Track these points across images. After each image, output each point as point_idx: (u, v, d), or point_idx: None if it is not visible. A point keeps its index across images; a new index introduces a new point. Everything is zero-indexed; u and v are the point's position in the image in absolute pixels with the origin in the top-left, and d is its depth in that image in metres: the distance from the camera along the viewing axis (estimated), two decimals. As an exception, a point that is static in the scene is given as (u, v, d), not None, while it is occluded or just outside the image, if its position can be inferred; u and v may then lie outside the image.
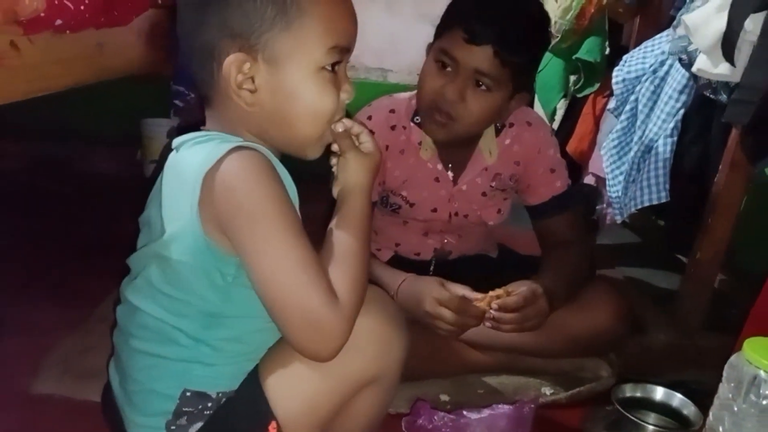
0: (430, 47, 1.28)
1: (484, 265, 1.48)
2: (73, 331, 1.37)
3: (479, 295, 1.19)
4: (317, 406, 0.87)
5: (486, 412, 1.13)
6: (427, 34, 2.62)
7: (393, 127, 1.34)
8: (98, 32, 1.41)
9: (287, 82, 0.82)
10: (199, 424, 0.86)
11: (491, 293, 1.18)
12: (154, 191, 0.88)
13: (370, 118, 1.33)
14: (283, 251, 0.76)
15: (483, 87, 1.20)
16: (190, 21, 0.83)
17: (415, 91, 1.32)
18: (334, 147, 0.91)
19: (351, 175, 0.88)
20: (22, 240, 1.76)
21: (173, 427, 0.86)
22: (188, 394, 0.86)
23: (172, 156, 0.85)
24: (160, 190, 0.85)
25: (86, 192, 2.21)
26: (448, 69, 1.21)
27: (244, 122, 0.85)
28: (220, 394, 0.87)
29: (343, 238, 0.83)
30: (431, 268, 1.44)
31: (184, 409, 0.86)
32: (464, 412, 1.13)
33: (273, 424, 0.85)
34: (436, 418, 1.12)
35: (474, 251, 1.48)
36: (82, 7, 1.26)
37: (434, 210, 1.39)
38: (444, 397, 1.27)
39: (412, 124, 1.34)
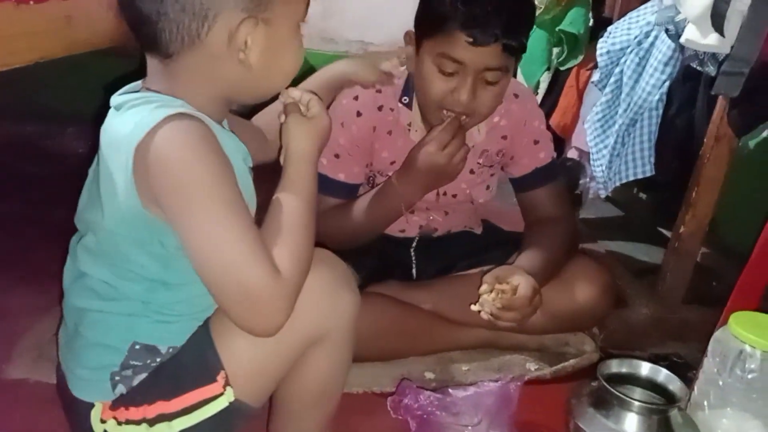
0: (410, 37, 1.23)
1: (469, 241, 1.46)
2: (46, 316, 1.33)
3: (486, 286, 1.17)
4: (266, 360, 0.86)
5: (472, 390, 1.12)
6: (407, 6, 2.58)
7: (380, 108, 1.31)
8: (66, 4, 1.35)
9: (277, 40, 0.81)
10: (143, 375, 0.85)
11: (498, 287, 1.17)
12: (99, 150, 0.85)
13: (356, 98, 1.30)
14: (220, 226, 0.74)
15: (492, 80, 1.18)
16: None
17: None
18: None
19: (293, 141, 0.86)
20: (-8, 223, 1.71)
21: (117, 378, 0.85)
22: (137, 347, 0.85)
23: (110, 116, 0.82)
24: (99, 153, 0.83)
25: (58, 172, 2.14)
26: (452, 71, 1.17)
27: (213, 82, 0.81)
28: (170, 349, 0.86)
29: (286, 207, 0.80)
30: (413, 244, 1.42)
31: (131, 362, 0.85)
32: (450, 391, 1.12)
33: (221, 374, 0.84)
34: (421, 397, 1.11)
35: (459, 228, 1.46)
36: (46, -23, 1.21)
37: None
38: (429, 375, 1.27)
39: (399, 104, 1.31)
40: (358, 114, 1.29)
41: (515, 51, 1.16)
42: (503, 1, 1.13)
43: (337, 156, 1.29)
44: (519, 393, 1.13)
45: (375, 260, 1.35)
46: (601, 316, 1.37)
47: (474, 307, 1.17)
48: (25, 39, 1.24)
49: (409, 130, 1.32)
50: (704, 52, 1.28)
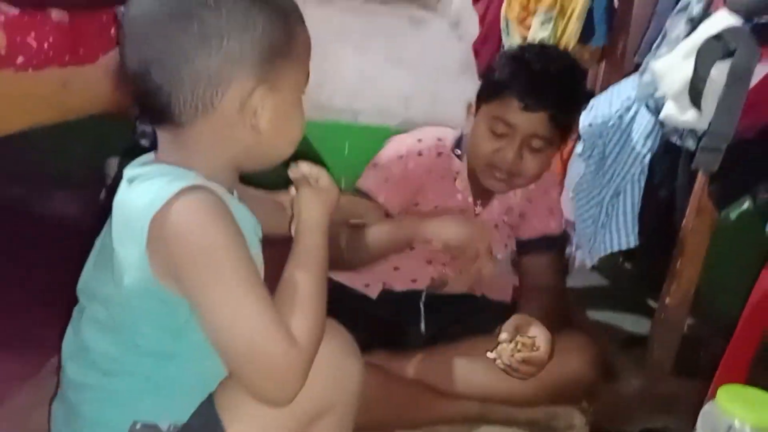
0: (471, 107, 1.39)
1: (468, 304, 1.48)
2: (24, 385, 1.30)
3: (505, 335, 1.19)
4: None
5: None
6: (396, 76, 2.66)
7: (440, 154, 1.43)
8: (63, 71, 1.38)
9: (284, 107, 0.83)
10: None
11: (519, 338, 1.18)
12: (108, 220, 0.85)
13: (420, 140, 1.43)
14: (239, 298, 0.75)
15: (537, 147, 1.31)
16: (179, 49, 0.77)
17: (453, 129, 1.47)
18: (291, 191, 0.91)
19: (305, 211, 0.88)
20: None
21: None
22: (138, 426, 0.83)
23: (123, 189, 0.82)
24: (110, 224, 0.83)
25: (44, 236, 2.12)
26: (502, 133, 1.30)
27: (224, 149, 0.83)
28: (171, 427, 0.84)
29: (299, 277, 0.82)
30: (422, 299, 1.44)
31: None
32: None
33: None
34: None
35: (466, 288, 1.49)
36: (45, 45, 1.24)
37: None
38: None
39: (452, 155, 1.44)
40: (419, 153, 1.42)
41: (561, 125, 1.30)
42: (558, 78, 1.30)
43: (386, 180, 1.38)
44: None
45: (377, 324, 1.36)
46: (590, 387, 1.36)
47: (490, 355, 1.17)
48: (21, 104, 1.25)
49: (456, 178, 1.44)
50: (683, 128, 1.32)
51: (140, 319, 0.81)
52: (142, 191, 0.78)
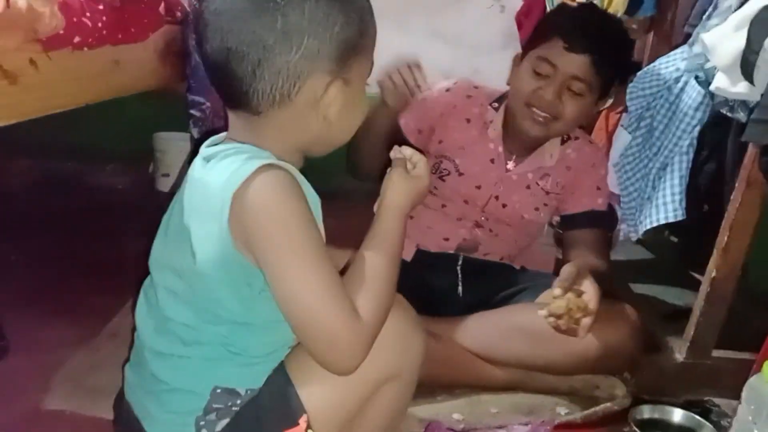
0: (517, 58, 1.41)
1: (508, 275, 1.50)
2: (81, 348, 1.37)
3: (559, 291, 1.18)
4: (344, 400, 0.90)
5: (501, 433, 1.12)
6: (437, 51, 2.62)
7: (469, 96, 1.48)
8: (115, 49, 1.42)
9: (353, 98, 0.87)
10: (227, 420, 0.88)
11: (570, 297, 1.17)
12: (177, 197, 0.90)
13: (455, 83, 1.49)
14: (307, 273, 0.79)
15: (577, 91, 1.33)
16: (262, 44, 0.80)
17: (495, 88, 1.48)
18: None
19: (391, 192, 0.91)
20: (32, 257, 1.76)
21: (202, 423, 0.88)
22: (218, 390, 0.88)
23: (200, 166, 0.87)
24: (182, 200, 0.87)
25: (97, 208, 2.21)
26: (545, 74, 1.33)
27: (296, 136, 0.87)
28: (248, 391, 0.89)
29: (372, 258, 0.86)
30: (459, 263, 1.47)
31: (214, 405, 0.88)
32: (479, 433, 1.12)
33: (304, 417, 0.87)
34: (452, 438, 1.11)
35: (499, 255, 1.50)
36: (99, 24, 1.28)
37: (478, 187, 1.45)
38: (457, 416, 1.26)
39: (489, 106, 1.47)
40: (447, 89, 1.48)
41: (603, 71, 1.32)
42: (602, 24, 1.37)
43: (409, 106, 1.40)
44: (549, 437, 1.12)
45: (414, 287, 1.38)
46: (630, 358, 1.35)
47: (542, 312, 1.18)
48: (76, 83, 1.29)
49: (488, 127, 1.46)
50: (734, 99, 1.29)
51: (218, 290, 0.84)
52: (222, 169, 0.82)
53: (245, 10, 0.79)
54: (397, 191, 0.91)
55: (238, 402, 0.88)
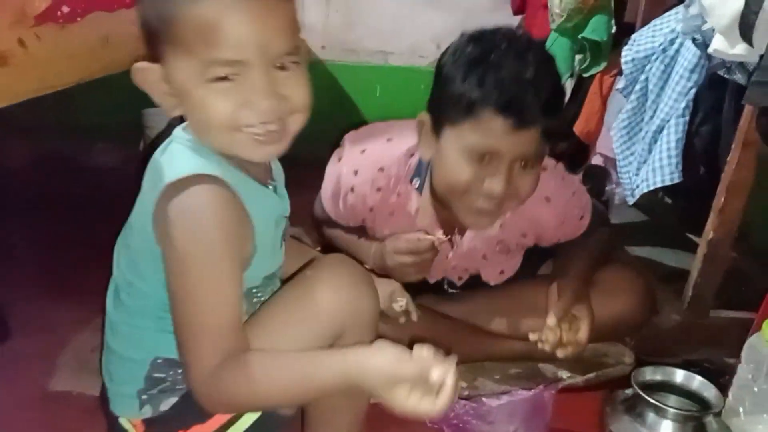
0: (425, 125, 1.13)
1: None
2: (86, 328, 1.37)
3: (552, 320, 1.19)
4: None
5: (506, 399, 1.14)
6: (427, 16, 2.58)
7: (379, 189, 1.23)
8: (104, 25, 1.39)
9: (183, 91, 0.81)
10: (174, 399, 0.88)
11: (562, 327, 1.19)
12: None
13: (356, 173, 1.23)
14: (201, 303, 0.78)
15: (530, 165, 1.08)
16: None
17: (409, 146, 1.21)
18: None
19: (381, 359, 0.78)
20: (32, 238, 1.75)
21: (144, 397, 0.88)
22: (159, 360, 0.88)
23: (162, 145, 0.87)
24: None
25: (92, 187, 2.19)
26: (485, 161, 1.06)
27: (192, 125, 0.85)
28: None
29: (293, 366, 0.80)
30: (444, 285, 1.42)
31: (154, 375, 0.88)
32: (484, 399, 1.14)
33: None
34: (456, 406, 1.13)
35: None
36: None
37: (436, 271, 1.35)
38: (461, 384, 1.27)
39: (409, 187, 1.23)
40: (352, 189, 1.24)
41: (552, 135, 1.07)
42: (539, 81, 1.03)
43: (335, 215, 1.33)
44: (553, 401, 1.14)
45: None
46: (641, 324, 1.37)
47: (532, 336, 1.19)
48: (66, 61, 1.27)
49: (416, 216, 1.24)
50: (732, 61, 1.29)
51: (146, 268, 0.85)
52: (166, 158, 0.83)
53: None
54: (379, 365, 0.77)
55: (179, 372, 0.87)
